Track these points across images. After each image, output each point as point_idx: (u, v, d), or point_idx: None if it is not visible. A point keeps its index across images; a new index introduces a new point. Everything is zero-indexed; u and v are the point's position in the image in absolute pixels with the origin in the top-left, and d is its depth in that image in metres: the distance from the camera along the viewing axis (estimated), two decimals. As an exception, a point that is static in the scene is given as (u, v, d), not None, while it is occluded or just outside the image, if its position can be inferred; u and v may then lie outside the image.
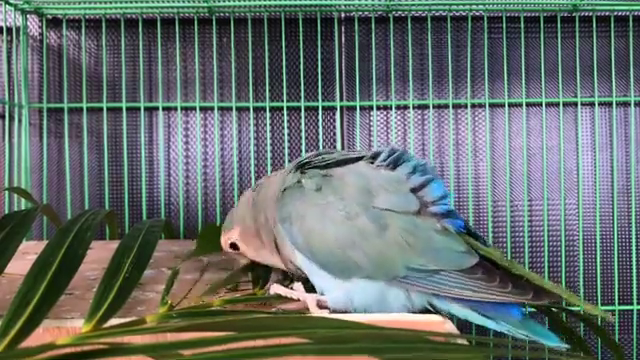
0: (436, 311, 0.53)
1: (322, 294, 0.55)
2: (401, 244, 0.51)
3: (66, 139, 1.04)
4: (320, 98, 1.05)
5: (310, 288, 0.57)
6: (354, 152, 0.60)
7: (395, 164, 0.56)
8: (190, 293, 0.56)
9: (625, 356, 1.05)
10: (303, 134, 1.06)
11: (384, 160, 0.56)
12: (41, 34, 1.06)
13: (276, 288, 0.57)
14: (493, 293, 0.50)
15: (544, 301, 0.51)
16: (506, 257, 0.54)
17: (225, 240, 0.61)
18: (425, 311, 0.54)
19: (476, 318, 0.52)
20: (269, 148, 1.05)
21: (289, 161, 1.04)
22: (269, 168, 1.05)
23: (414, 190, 0.54)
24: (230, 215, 0.62)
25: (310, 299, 0.54)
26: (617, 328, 1.04)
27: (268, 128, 1.05)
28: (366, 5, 1.04)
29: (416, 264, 0.51)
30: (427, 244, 0.52)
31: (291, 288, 0.57)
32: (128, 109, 1.05)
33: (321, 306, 0.54)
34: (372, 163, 0.57)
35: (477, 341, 0.52)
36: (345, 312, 0.54)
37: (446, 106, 1.07)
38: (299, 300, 0.55)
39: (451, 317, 0.52)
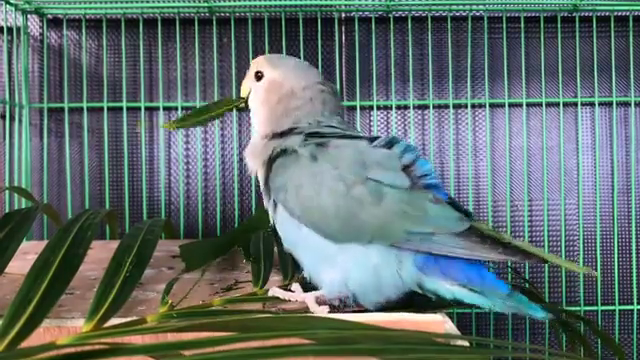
0: (424, 293, 0.54)
1: (310, 278, 0.56)
2: (399, 212, 0.53)
3: (67, 139, 1.04)
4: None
5: (311, 288, 0.57)
6: (357, 133, 0.62)
7: (390, 145, 0.58)
8: (190, 293, 0.56)
9: (625, 356, 1.05)
10: (303, 134, 1.06)
11: (380, 142, 0.58)
12: (42, 34, 1.06)
13: (275, 291, 0.57)
14: (487, 252, 0.52)
15: (532, 260, 0.53)
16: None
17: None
18: (422, 308, 0.54)
19: (465, 295, 0.53)
20: (269, 148, 1.05)
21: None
22: (269, 168, 1.05)
23: (406, 167, 0.56)
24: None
25: (309, 298, 0.54)
26: (617, 328, 1.04)
27: (268, 128, 1.05)
28: (366, 5, 1.04)
29: (415, 229, 0.53)
30: (423, 212, 0.54)
31: (290, 290, 0.57)
32: (128, 109, 1.05)
33: (320, 302, 0.54)
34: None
35: (477, 342, 0.52)
36: (341, 302, 0.54)
37: (446, 106, 1.07)
38: (297, 301, 0.56)
39: (450, 316, 0.52)
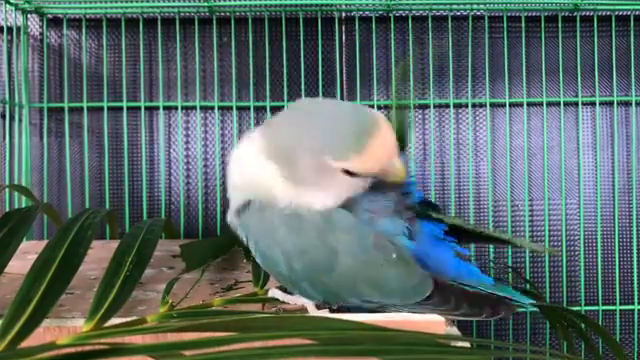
0: None
1: None
2: (351, 280, 0.50)
3: (67, 139, 1.04)
4: (321, 97, 1.05)
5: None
6: None
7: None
8: (190, 293, 0.56)
9: (626, 356, 1.05)
10: (304, 134, 1.06)
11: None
12: (42, 34, 1.06)
13: (274, 292, 0.57)
14: (448, 313, 0.50)
15: (500, 314, 0.50)
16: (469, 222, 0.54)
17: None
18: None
19: None
20: (270, 148, 1.05)
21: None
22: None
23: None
24: None
25: (308, 301, 0.54)
26: (618, 328, 1.04)
27: (269, 128, 1.05)
28: (367, 5, 1.03)
29: (367, 297, 0.51)
30: (379, 282, 0.50)
31: (290, 292, 0.57)
32: (129, 108, 1.05)
33: (319, 307, 0.54)
34: None
35: (478, 343, 0.52)
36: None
37: (447, 106, 1.07)
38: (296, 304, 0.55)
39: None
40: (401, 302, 0.51)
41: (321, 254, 0.50)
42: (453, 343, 0.40)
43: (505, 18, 1.05)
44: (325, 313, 0.53)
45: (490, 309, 0.50)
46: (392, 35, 1.06)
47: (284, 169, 0.50)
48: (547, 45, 1.06)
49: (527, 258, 1.04)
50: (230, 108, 1.06)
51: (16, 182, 1.02)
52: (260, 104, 1.05)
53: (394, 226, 0.52)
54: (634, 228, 1.05)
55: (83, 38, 1.05)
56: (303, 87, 1.05)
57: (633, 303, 1.04)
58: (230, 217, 0.56)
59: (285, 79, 1.05)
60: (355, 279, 0.50)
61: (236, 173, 0.55)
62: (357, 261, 0.50)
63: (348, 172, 0.49)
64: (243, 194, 0.54)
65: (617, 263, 1.05)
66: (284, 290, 0.57)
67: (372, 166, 0.48)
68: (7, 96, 1.04)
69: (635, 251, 1.04)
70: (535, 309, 0.75)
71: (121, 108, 1.05)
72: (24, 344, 0.38)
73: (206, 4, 1.01)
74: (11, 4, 1.00)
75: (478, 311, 0.50)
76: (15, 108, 1.04)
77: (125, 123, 1.04)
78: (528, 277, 1.03)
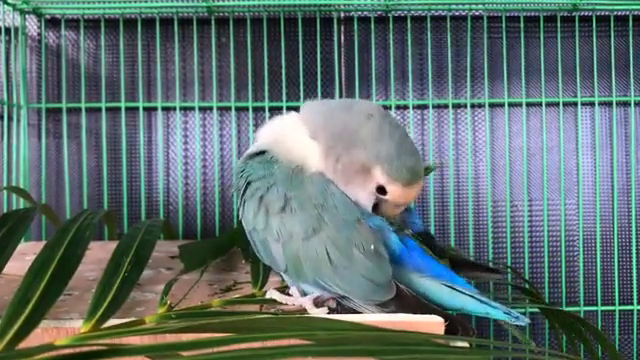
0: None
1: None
2: (321, 255, 0.51)
3: (65, 139, 1.04)
4: (320, 97, 1.05)
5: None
6: None
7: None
8: (189, 294, 0.56)
9: (625, 356, 1.05)
10: (302, 134, 1.06)
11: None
12: (39, 34, 1.05)
13: (272, 293, 0.57)
14: None
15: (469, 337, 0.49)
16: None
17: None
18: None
19: (436, 291, 0.52)
20: (268, 148, 1.05)
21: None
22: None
23: None
24: None
25: (306, 302, 0.54)
26: (617, 328, 1.04)
27: (267, 128, 1.05)
28: (365, 5, 1.03)
29: (328, 281, 0.52)
30: (347, 263, 0.51)
31: (288, 293, 0.57)
32: (127, 109, 1.05)
33: (318, 305, 0.54)
34: None
35: (477, 343, 0.52)
36: (338, 304, 0.54)
37: (446, 106, 1.07)
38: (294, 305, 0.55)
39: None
40: (358, 298, 0.51)
41: (308, 214, 0.52)
42: (452, 343, 0.40)
43: (504, 18, 1.05)
44: (323, 314, 0.53)
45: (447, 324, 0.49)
46: (391, 35, 1.05)
47: (327, 151, 0.54)
48: (546, 45, 1.06)
49: (527, 258, 1.04)
50: (229, 108, 1.06)
51: (14, 183, 1.02)
52: (259, 104, 1.05)
53: (385, 224, 0.54)
54: (633, 228, 1.05)
55: (81, 38, 1.05)
56: (302, 87, 1.05)
57: (632, 303, 1.04)
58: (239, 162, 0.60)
59: (284, 79, 1.04)
60: (325, 255, 0.51)
61: (267, 130, 0.60)
62: (335, 235, 0.51)
63: (381, 190, 0.54)
64: (261, 146, 0.58)
65: (616, 263, 1.05)
66: (282, 291, 0.57)
67: (400, 201, 0.54)
68: (5, 97, 1.03)
69: (634, 251, 1.04)
70: (535, 309, 0.75)
71: (119, 109, 1.05)
72: (22, 345, 0.38)
73: (205, 4, 1.01)
74: (9, 4, 1.00)
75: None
76: (13, 109, 1.03)
77: (123, 124, 1.04)
78: (527, 277, 1.03)
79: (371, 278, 0.50)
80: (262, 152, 0.58)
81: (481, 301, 0.52)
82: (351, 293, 0.51)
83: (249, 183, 0.57)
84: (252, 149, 0.60)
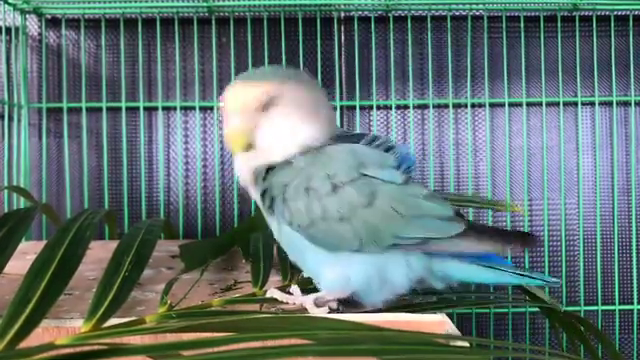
0: (435, 280, 0.54)
1: (318, 280, 0.55)
2: (389, 213, 0.52)
3: (65, 139, 1.04)
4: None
5: (310, 289, 0.56)
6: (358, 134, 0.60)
7: (387, 149, 0.57)
8: (189, 293, 0.56)
9: (625, 356, 1.05)
10: (303, 134, 1.06)
11: (379, 144, 0.57)
12: (40, 34, 1.05)
13: (273, 292, 0.57)
14: (485, 246, 0.53)
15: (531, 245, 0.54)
16: None
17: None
18: (423, 309, 0.54)
19: (475, 274, 0.54)
20: (269, 148, 1.05)
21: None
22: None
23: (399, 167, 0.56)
24: None
25: (307, 301, 0.54)
26: (617, 328, 1.04)
27: (268, 128, 1.05)
28: (366, 5, 1.03)
29: (405, 234, 0.52)
30: (416, 211, 0.53)
31: (288, 291, 0.57)
32: (127, 109, 1.05)
33: (319, 305, 0.54)
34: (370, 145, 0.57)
35: (477, 343, 0.52)
36: (340, 304, 0.54)
37: (446, 106, 1.07)
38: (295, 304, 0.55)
39: (450, 316, 0.52)
40: (438, 235, 0.53)
41: (362, 189, 0.53)
42: (452, 343, 0.40)
43: (504, 18, 1.05)
44: (324, 313, 0.53)
45: (520, 241, 0.54)
46: (391, 35, 1.06)
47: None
48: (546, 45, 1.06)
49: (527, 258, 1.04)
50: (229, 108, 1.06)
51: (15, 182, 1.02)
52: (259, 104, 1.05)
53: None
54: (634, 228, 1.05)
55: (82, 38, 1.05)
56: (302, 87, 1.05)
57: (632, 303, 1.04)
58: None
59: (284, 79, 1.04)
60: (394, 212, 0.52)
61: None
62: (392, 190, 0.53)
63: None
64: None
65: (616, 263, 1.05)
66: (283, 290, 0.57)
67: (225, 104, 0.58)
68: (6, 96, 1.04)
69: (634, 251, 1.04)
70: (535, 309, 0.75)
71: (120, 108, 1.05)
72: (23, 344, 0.38)
73: (205, 4, 1.01)
74: (10, 4, 1.00)
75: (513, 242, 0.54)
76: (14, 108, 1.04)
77: (124, 123, 1.04)
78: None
79: (441, 215, 0.53)
80: (271, 167, 0.56)
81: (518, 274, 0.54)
82: (434, 235, 0.53)
83: (285, 186, 0.54)
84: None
